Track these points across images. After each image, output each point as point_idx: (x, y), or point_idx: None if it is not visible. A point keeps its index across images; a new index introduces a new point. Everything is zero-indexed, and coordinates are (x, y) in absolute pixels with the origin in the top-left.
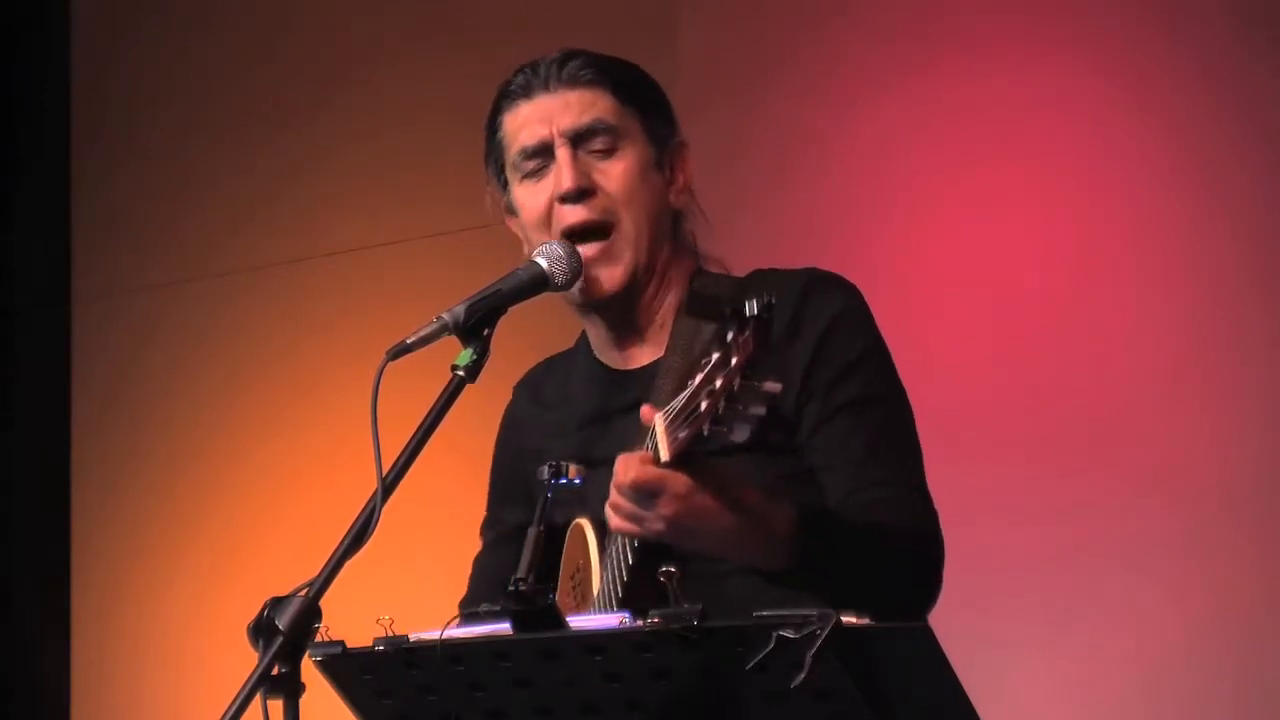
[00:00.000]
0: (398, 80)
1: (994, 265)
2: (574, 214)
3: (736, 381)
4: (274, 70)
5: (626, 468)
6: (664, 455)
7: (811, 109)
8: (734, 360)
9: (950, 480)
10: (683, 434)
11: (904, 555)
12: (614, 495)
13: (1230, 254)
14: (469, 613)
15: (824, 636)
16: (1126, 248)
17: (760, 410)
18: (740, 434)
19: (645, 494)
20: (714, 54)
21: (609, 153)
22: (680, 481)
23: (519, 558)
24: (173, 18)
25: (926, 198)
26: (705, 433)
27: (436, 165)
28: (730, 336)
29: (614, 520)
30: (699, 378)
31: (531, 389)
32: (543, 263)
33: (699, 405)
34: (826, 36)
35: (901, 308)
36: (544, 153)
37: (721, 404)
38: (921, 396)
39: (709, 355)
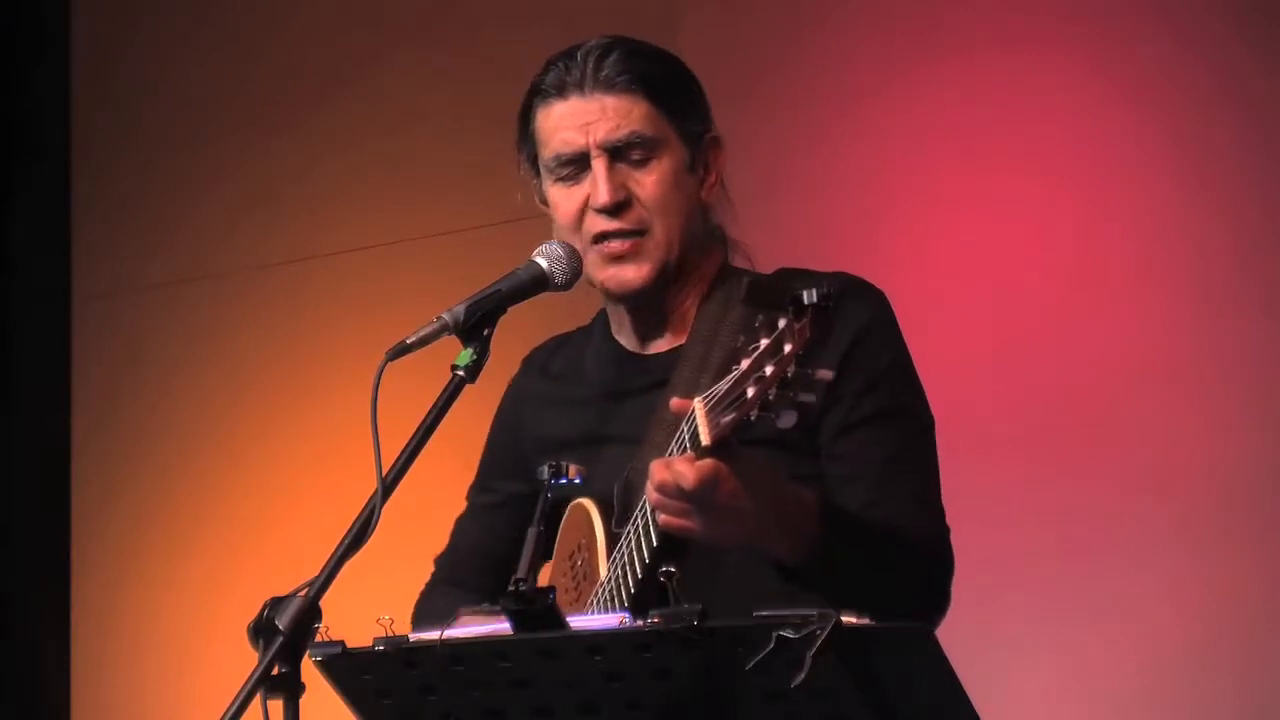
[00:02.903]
0: (398, 80)
1: (994, 265)
2: (608, 224)
3: (790, 369)
4: (274, 70)
5: (675, 472)
6: (705, 439)
7: (812, 108)
8: (788, 347)
9: (950, 479)
10: (726, 419)
11: (916, 569)
12: (655, 496)
13: (1230, 254)
14: (469, 611)
15: (824, 636)
16: (1126, 248)
17: (811, 398)
18: (787, 420)
19: (703, 492)
20: (715, 53)
21: (644, 161)
22: (722, 470)
23: (506, 534)
24: (173, 18)
25: (926, 196)
26: (752, 418)
27: (437, 165)
28: (785, 323)
29: (664, 520)
30: (746, 364)
31: (540, 363)
32: (543, 263)
33: (745, 391)
34: (827, 35)
35: (901, 307)
36: (579, 161)
37: (773, 391)
38: None
39: (757, 341)
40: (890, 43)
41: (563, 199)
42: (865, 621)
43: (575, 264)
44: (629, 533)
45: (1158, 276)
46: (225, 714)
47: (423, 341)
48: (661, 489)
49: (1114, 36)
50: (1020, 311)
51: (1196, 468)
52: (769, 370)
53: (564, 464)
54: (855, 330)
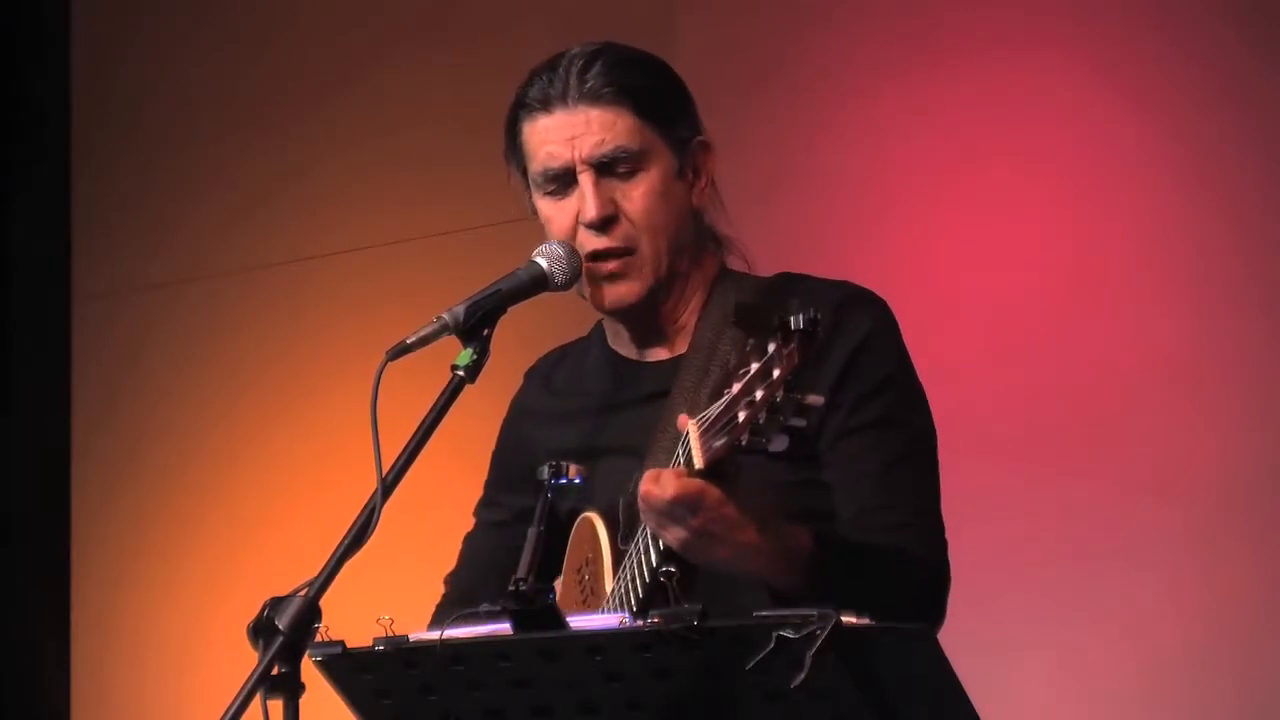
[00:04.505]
0: (398, 81)
1: (994, 265)
2: (598, 242)
3: (779, 394)
4: (274, 70)
5: (662, 485)
6: (698, 464)
7: (811, 108)
8: (776, 372)
9: (950, 479)
10: (718, 443)
11: (912, 591)
12: (640, 503)
13: (1230, 254)
14: (468, 612)
15: (824, 636)
16: (1126, 247)
17: (801, 422)
18: (779, 444)
19: (682, 507)
20: (714, 53)
21: (631, 174)
22: (714, 494)
23: (516, 548)
24: (173, 18)
25: (926, 197)
26: (743, 443)
27: (436, 166)
28: (774, 348)
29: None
30: (737, 388)
31: (543, 376)
32: (543, 263)
33: (736, 415)
34: (826, 36)
35: (900, 307)
36: (566, 176)
37: (762, 415)
38: None
39: (748, 366)
40: (890, 43)
41: (554, 213)
42: (865, 621)
43: (575, 264)
44: (634, 549)
45: (1158, 276)
46: (225, 714)
47: (423, 341)
48: (645, 498)
49: (1114, 36)
50: (1020, 311)
51: (1196, 468)
52: (759, 395)
53: (564, 464)
54: (858, 339)
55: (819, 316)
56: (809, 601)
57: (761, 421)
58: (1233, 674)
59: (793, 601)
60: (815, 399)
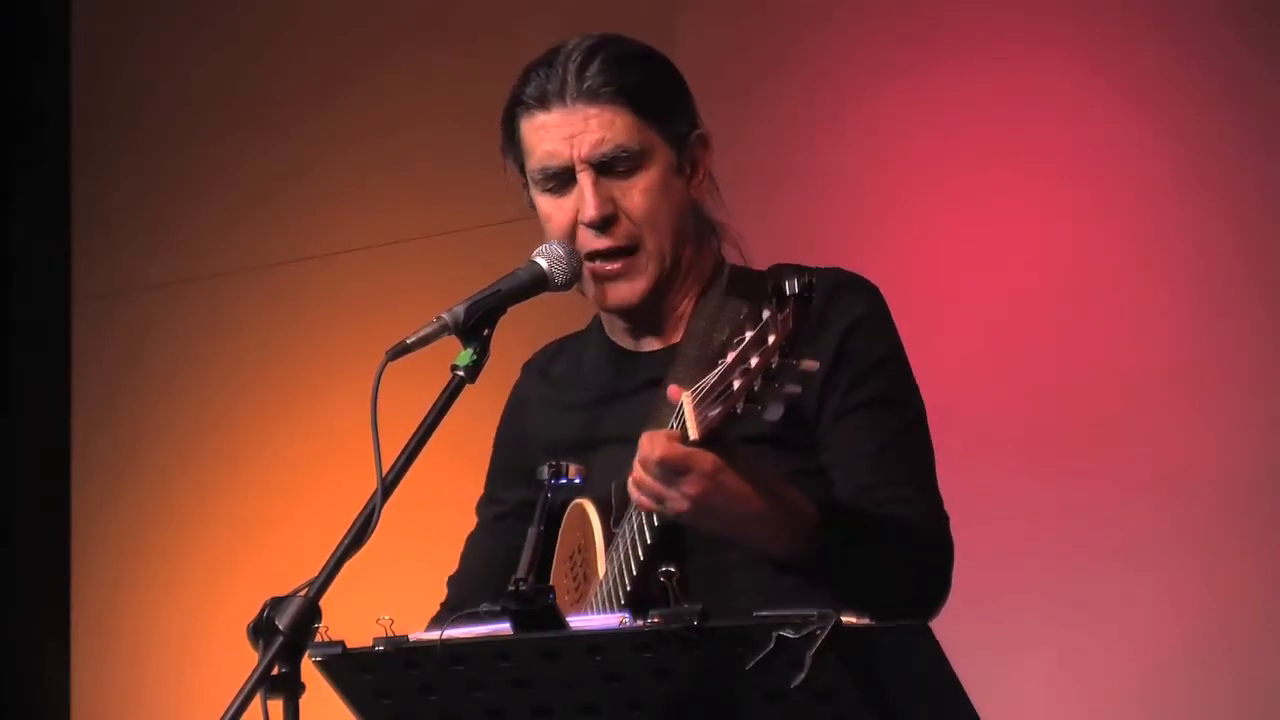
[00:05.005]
0: (398, 80)
1: (994, 265)
2: (598, 241)
3: (775, 360)
4: (275, 69)
5: (653, 444)
6: (692, 434)
7: (811, 107)
8: (771, 338)
9: (950, 479)
10: (713, 413)
11: (915, 554)
12: (638, 470)
13: (1230, 253)
14: (468, 612)
15: (824, 636)
16: (1126, 248)
17: (797, 389)
18: (774, 412)
19: (671, 471)
20: (715, 53)
21: (630, 173)
22: (708, 460)
23: (517, 545)
24: (173, 18)
25: (926, 197)
26: (738, 411)
27: (437, 165)
28: (768, 315)
29: (636, 496)
30: (732, 356)
31: (540, 368)
32: (543, 263)
33: (731, 384)
34: (826, 36)
35: (901, 307)
36: (564, 175)
37: (758, 382)
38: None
39: (743, 334)
40: (890, 43)
41: (553, 211)
42: (865, 621)
43: (575, 264)
44: (625, 530)
45: (1158, 276)
46: (225, 714)
47: (423, 341)
48: (640, 460)
49: (1114, 36)
50: (1020, 311)
51: (1196, 468)
52: (754, 362)
53: (564, 464)
54: (851, 321)
55: (814, 281)
56: (814, 568)
57: (757, 389)
58: (1233, 674)
59: (797, 569)
60: (811, 364)
